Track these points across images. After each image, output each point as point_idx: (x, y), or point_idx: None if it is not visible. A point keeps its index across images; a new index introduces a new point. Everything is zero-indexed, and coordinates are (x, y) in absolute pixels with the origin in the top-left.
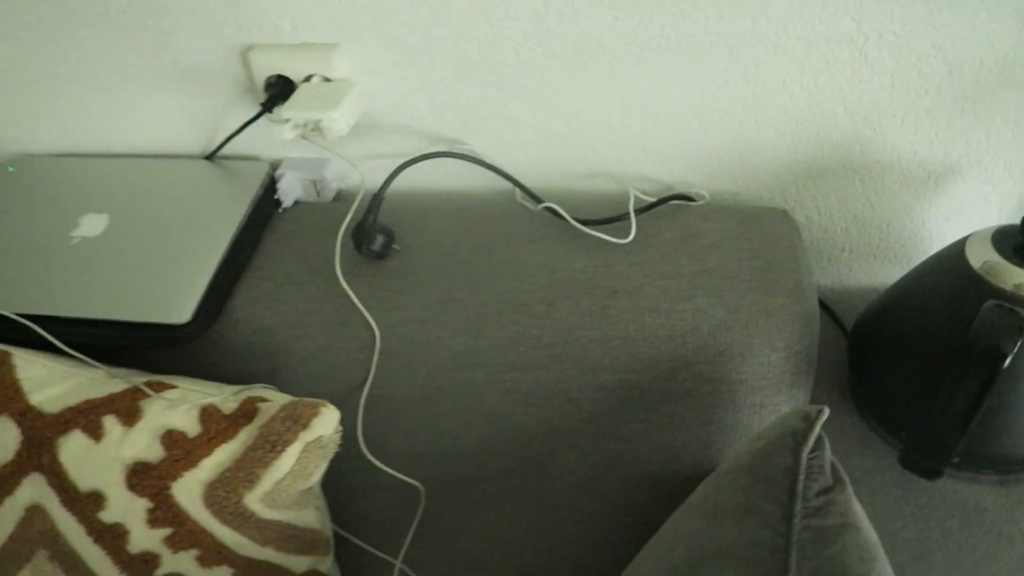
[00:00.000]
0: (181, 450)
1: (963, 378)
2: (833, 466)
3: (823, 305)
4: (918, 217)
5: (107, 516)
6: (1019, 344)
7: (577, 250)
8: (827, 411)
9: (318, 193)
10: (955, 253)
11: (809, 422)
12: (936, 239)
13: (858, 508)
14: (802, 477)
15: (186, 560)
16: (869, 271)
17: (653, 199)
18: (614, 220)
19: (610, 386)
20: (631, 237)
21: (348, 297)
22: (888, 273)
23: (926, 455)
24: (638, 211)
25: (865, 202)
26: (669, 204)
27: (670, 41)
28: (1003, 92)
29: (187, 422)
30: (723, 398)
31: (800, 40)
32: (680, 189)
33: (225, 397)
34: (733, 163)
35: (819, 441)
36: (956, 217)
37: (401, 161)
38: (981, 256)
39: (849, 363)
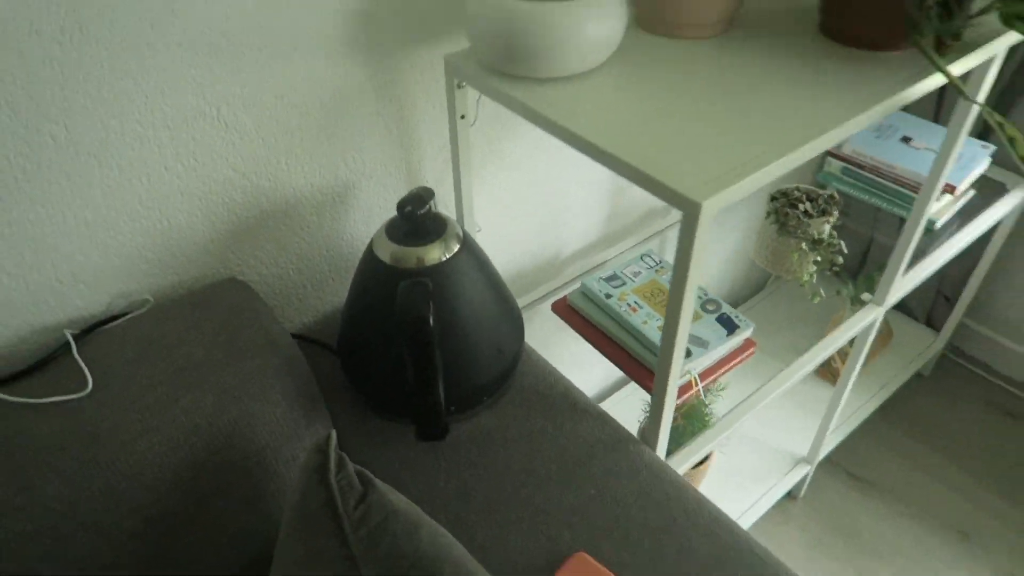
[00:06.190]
0: None
1: (411, 351)
2: (360, 474)
3: (311, 339)
4: (343, 232)
5: None
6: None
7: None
8: (334, 434)
9: None
10: (370, 257)
11: (324, 452)
12: (366, 242)
13: (392, 495)
14: (339, 500)
15: None
16: (332, 292)
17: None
18: (47, 361)
19: (156, 520)
20: (90, 387)
21: None
22: (346, 287)
23: (430, 424)
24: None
25: (298, 240)
26: (118, 324)
27: (27, 170)
28: (347, 119)
29: None
30: (257, 473)
31: (162, 127)
32: (122, 305)
33: None
34: (162, 257)
35: (340, 461)
36: (369, 219)
37: None
38: (387, 251)
39: (346, 376)
